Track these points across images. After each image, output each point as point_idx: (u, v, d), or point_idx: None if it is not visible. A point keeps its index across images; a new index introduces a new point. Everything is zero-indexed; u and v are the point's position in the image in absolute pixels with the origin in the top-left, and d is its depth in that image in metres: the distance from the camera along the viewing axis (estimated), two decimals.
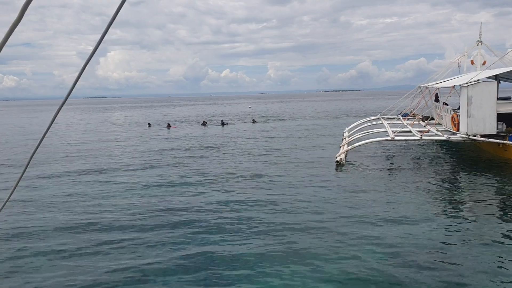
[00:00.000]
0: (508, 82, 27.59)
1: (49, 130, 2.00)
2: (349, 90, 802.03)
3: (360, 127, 30.75)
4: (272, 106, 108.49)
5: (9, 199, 2.38)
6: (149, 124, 50.82)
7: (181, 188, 16.36)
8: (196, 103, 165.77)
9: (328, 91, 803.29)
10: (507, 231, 10.61)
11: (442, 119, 25.48)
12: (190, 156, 24.52)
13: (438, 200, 13.78)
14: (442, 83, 27.09)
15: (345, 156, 21.67)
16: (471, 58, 26.30)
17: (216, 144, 29.88)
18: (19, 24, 1.53)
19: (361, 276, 8.30)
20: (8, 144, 34.34)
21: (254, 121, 51.68)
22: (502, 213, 12.36)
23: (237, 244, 10.17)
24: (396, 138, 21.76)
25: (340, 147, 24.47)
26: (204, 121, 50.40)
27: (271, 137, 33.69)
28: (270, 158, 23.20)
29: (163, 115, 75.54)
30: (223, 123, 47.52)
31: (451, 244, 9.87)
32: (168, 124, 48.55)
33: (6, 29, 1.57)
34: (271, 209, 13.02)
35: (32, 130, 49.50)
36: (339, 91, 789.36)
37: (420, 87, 31.99)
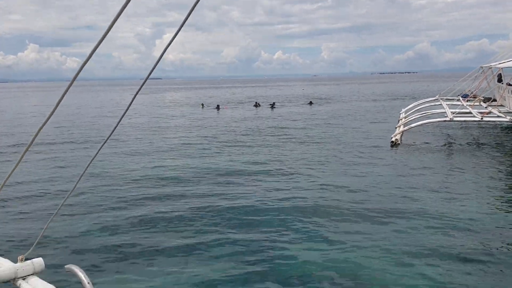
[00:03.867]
0: None
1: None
2: (406, 72, 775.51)
3: (417, 108, 29.94)
4: (326, 89, 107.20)
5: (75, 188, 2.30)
6: (202, 105, 51.63)
7: (226, 173, 16.70)
8: (248, 85, 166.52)
9: (383, 73, 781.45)
10: None
11: (505, 100, 24.31)
12: (239, 140, 24.81)
13: (497, 187, 13.15)
14: (507, 62, 25.75)
15: (401, 136, 21.25)
16: None
17: (267, 127, 30.06)
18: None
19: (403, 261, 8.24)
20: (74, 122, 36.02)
21: (311, 103, 51.88)
22: None
23: (286, 228, 10.39)
24: (455, 119, 21.05)
25: (396, 128, 24.00)
26: (256, 103, 50.54)
27: (325, 119, 33.46)
28: (323, 139, 23.06)
29: (216, 97, 76.66)
30: (272, 106, 47.06)
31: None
32: (218, 105, 48.57)
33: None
34: (322, 190, 12.96)
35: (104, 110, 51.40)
36: (395, 73, 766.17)
37: (482, 67, 30.54)
